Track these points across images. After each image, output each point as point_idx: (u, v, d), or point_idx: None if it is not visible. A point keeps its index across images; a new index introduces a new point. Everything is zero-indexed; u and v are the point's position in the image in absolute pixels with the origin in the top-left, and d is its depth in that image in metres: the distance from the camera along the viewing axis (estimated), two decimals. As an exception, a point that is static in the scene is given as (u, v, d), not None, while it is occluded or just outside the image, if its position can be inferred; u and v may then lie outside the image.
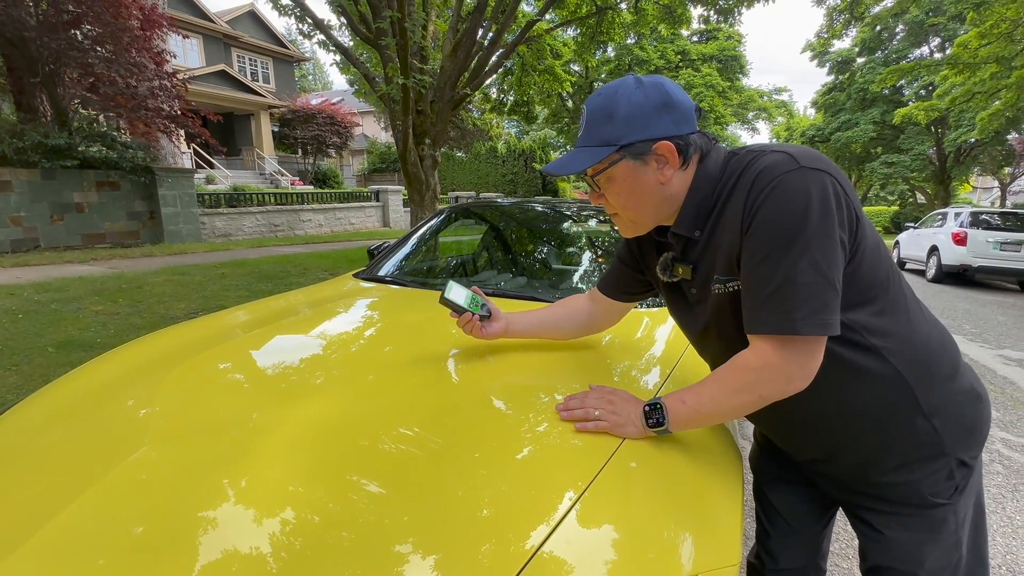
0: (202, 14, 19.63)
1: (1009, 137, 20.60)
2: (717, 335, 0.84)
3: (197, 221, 8.96)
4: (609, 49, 15.67)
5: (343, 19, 6.35)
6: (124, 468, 0.77)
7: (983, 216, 9.33)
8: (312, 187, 19.92)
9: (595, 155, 0.78)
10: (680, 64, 15.05)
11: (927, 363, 0.78)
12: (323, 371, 1.12)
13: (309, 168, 21.98)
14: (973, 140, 17.36)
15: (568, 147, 20.48)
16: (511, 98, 16.26)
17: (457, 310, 1.07)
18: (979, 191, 34.79)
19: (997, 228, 9.10)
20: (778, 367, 0.70)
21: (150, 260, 7.33)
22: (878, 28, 20.66)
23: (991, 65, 8.98)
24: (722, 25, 14.54)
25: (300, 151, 22.13)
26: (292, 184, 19.53)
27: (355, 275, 2.09)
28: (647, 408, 0.82)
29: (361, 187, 19.13)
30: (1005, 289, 9.42)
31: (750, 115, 16.28)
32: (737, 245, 0.73)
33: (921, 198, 22.65)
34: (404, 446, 0.81)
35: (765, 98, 16.67)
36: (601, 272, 2.00)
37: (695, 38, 16.51)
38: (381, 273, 2.05)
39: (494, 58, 7.12)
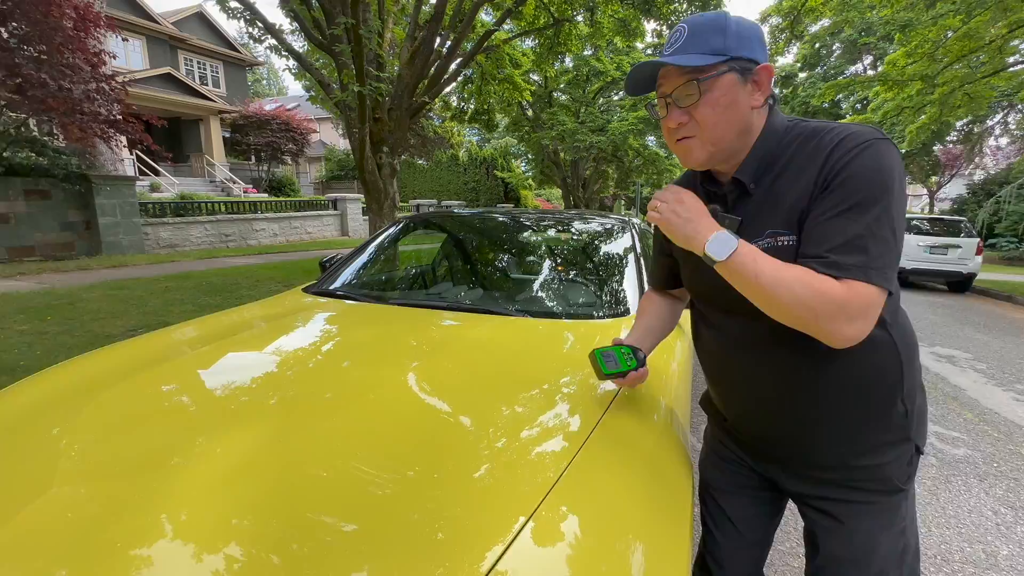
0: (145, 14, 18.73)
1: (935, 149, 22.27)
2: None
3: (139, 231, 8.45)
4: (568, 60, 15.96)
5: (296, 24, 6.20)
6: (45, 503, 0.71)
7: (914, 222, 10.00)
8: (266, 195, 19.28)
9: (709, 59, 0.77)
10: (635, 76, 15.45)
11: (911, 344, 0.86)
12: (266, 395, 1.06)
13: (263, 175, 21.26)
14: (903, 151, 18.69)
15: (529, 155, 20.67)
16: (472, 106, 16.32)
17: (620, 375, 0.99)
18: (910, 198, 37.43)
19: (927, 233, 9.77)
20: (847, 308, 0.70)
21: (85, 274, 6.86)
22: (817, 46, 21.97)
23: (916, 82, 9.69)
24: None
25: (254, 158, 21.39)
26: (245, 192, 18.84)
27: (304, 289, 2.01)
28: (720, 235, 0.77)
29: (319, 195, 18.66)
30: (935, 290, 10.13)
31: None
32: (803, 202, 0.76)
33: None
34: (353, 469, 0.79)
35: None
36: (563, 283, 2.00)
37: (649, 51, 17.03)
38: (332, 287, 1.98)
39: (453, 67, 7.10)
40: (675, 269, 1.06)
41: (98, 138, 7.72)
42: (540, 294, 1.90)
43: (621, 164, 18.68)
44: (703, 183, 0.91)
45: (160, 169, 17.63)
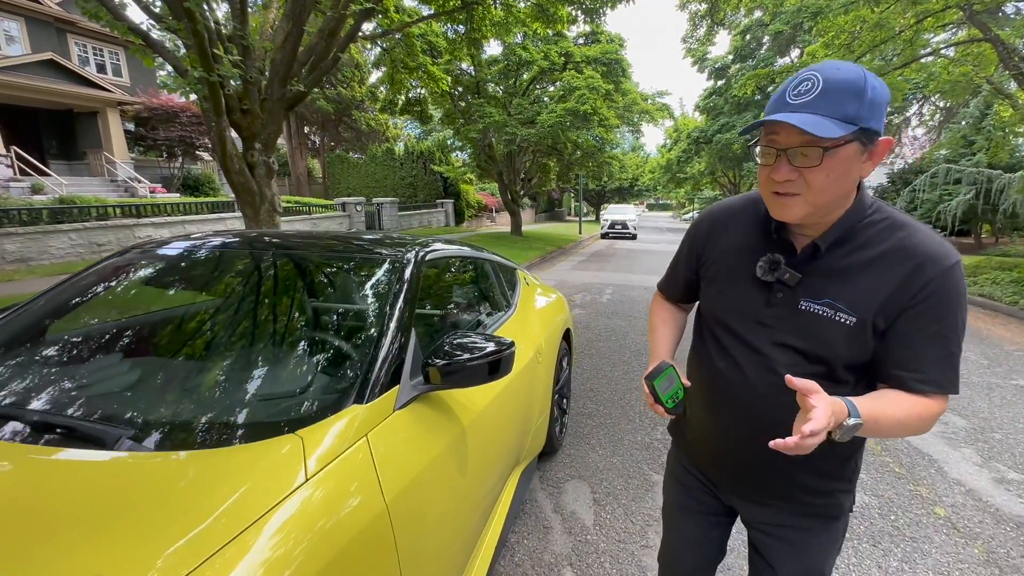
0: (20, -9, 16.53)
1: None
2: (780, 339, 0.90)
3: (-28, 245, 7.12)
4: (496, 49, 15.29)
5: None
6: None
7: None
8: (177, 195, 17.61)
9: (841, 128, 0.75)
10: (567, 65, 14.98)
11: None
12: None
13: (176, 173, 19.46)
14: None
15: (466, 148, 19.83)
16: (401, 98, 15.31)
17: (655, 396, 0.98)
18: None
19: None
20: (940, 415, 0.85)
21: None
22: (747, 37, 22.30)
23: (834, 73, 9.65)
24: (602, 27, 14.69)
25: (166, 154, 19.54)
26: (152, 192, 17.12)
27: None
28: (851, 425, 0.77)
29: (227, 196, 17.10)
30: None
31: (635, 118, 16.66)
32: (880, 296, 0.83)
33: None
34: None
35: (649, 101, 17.15)
36: (252, 376, 1.33)
37: (581, 40, 16.56)
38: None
39: (333, 53, 6.28)
40: (695, 286, 1.10)
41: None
42: (214, 396, 1.23)
43: (561, 157, 18.22)
44: (777, 229, 0.92)
45: (47, 169, 15.67)
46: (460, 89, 15.03)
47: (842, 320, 0.85)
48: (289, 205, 16.23)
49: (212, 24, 4.84)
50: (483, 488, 1.60)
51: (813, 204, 0.82)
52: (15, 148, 15.08)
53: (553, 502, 2.42)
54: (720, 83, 24.06)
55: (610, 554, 2.05)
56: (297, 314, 1.44)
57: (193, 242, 1.73)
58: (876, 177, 26.01)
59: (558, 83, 15.17)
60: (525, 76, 15.44)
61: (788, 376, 0.78)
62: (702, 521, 1.16)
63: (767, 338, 0.92)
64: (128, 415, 1.07)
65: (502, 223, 26.29)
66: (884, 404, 0.82)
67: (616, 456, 2.84)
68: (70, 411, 1.10)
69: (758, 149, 0.85)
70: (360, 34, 7.89)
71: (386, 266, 1.49)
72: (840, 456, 0.96)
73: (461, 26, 10.00)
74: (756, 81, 10.08)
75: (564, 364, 3.03)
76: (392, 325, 1.29)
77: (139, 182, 17.28)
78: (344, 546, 0.87)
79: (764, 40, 21.83)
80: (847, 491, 1.00)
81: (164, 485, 0.85)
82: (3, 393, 1.14)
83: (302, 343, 1.34)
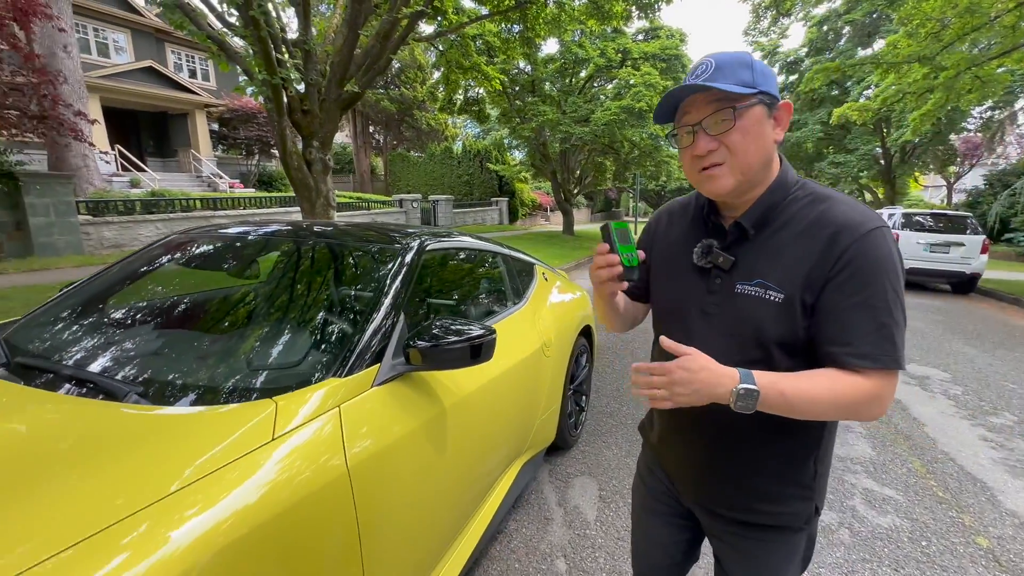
0: (128, 6, 18.46)
1: (952, 137, 21.04)
2: (722, 326, 0.90)
3: (78, 231, 8.05)
4: (554, 48, 15.23)
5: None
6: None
7: (915, 218, 9.28)
8: (252, 190, 18.98)
9: (743, 90, 0.81)
10: (624, 62, 14.70)
11: None
12: None
13: (253, 170, 20.97)
14: (916, 140, 17.59)
15: (522, 147, 19.96)
16: (460, 97, 15.66)
17: (611, 245, 0.91)
18: (930, 189, 35.79)
19: (928, 230, 9.06)
20: (887, 399, 0.80)
21: None
22: (825, 28, 20.85)
23: (917, 65, 8.85)
24: (658, 21, 14.27)
25: (245, 152, 21.13)
26: (231, 187, 18.57)
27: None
28: (741, 391, 0.77)
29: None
30: (937, 291, 9.36)
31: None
32: (802, 268, 0.82)
33: (870, 197, 23.01)
34: None
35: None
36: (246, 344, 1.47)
37: (640, 36, 16.16)
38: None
39: (387, 54, 6.55)
40: (641, 285, 1.11)
41: (31, 134, 7.35)
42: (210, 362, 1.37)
43: (618, 156, 17.91)
44: (709, 214, 0.95)
45: (144, 166, 17.41)
46: (517, 88, 15.16)
47: (771, 298, 0.85)
48: (350, 201, 17.07)
49: (277, 31, 5.20)
50: (472, 471, 1.66)
51: (740, 170, 0.84)
52: (119, 147, 16.91)
53: (559, 495, 2.44)
54: (792, 78, 22.66)
55: (606, 550, 2.05)
56: (292, 293, 1.57)
57: (208, 231, 1.92)
58: (972, 179, 23.51)
59: (615, 81, 14.92)
60: (583, 74, 15.31)
61: (662, 337, 0.83)
62: (667, 524, 1.15)
63: (709, 328, 0.92)
64: (138, 375, 1.23)
65: (556, 222, 26.22)
66: (796, 377, 0.80)
67: (631, 457, 2.82)
68: (94, 368, 1.28)
69: (677, 136, 0.90)
70: (415, 36, 8.19)
71: (385, 251, 1.59)
72: (793, 457, 0.93)
73: (516, 25, 10.12)
74: (826, 75, 9.39)
75: (583, 361, 3.03)
76: (381, 306, 1.38)
77: (220, 178, 18.80)
78: (299, 500, 0.96)
79: (844, 30, 20.31)
80: (805, 498, 0.95)
81: (148, 435, 0.98)
82: (54, 352, 1.34)
83: (294, 320, 1.46)
